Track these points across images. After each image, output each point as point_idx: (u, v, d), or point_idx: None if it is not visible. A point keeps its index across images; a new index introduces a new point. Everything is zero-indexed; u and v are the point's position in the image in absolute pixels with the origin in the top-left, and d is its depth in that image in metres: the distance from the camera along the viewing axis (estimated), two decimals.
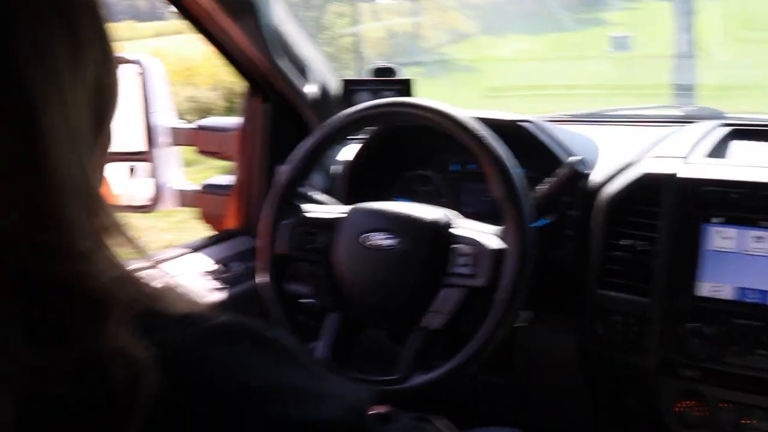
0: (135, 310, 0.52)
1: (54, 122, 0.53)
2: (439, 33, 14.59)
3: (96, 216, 0.56)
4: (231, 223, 2.01)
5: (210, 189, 2.06)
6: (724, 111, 1.91)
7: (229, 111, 13.01)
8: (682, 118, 1.90)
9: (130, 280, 0.56)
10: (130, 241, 0.59)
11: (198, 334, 0.54)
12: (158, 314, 0.54)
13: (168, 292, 0.58)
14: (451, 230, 1.33)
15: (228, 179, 2.03)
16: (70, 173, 0.54)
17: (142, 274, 0.58)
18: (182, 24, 1.62)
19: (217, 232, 2.02)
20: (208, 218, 2.09)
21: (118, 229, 0.58)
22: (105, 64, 0.61)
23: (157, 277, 0.59)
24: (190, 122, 2.09)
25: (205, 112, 12.99)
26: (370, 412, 0.61)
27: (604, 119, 1.97)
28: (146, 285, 0.57)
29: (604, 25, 11.95)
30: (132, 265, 0.58)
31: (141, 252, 0.59)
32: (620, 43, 10.63)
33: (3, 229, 0.51)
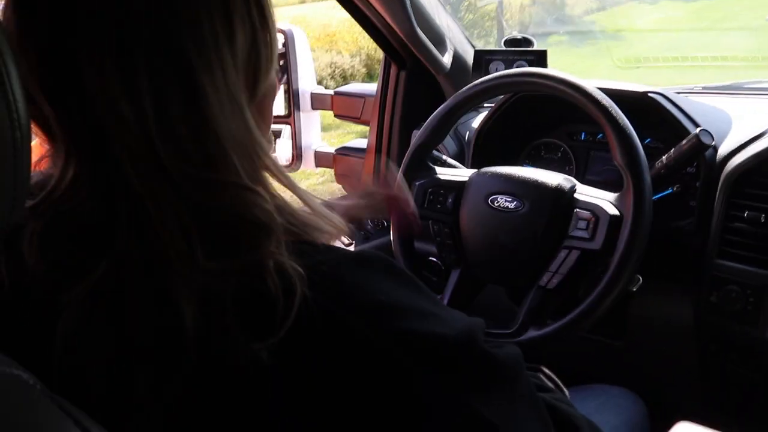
0: (288, 235, 0.65)
1: (214, 84, 0.65)
2: (584, 0, 14.23)
3: (256, 159, 0.68)
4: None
5: (346, 151, 2.19)
6: None
7: (368, 77, 13.21)
8: None
9: (285, 210, 0.68)
10: (284, 178, 0.71)
11: (338, 259, 0.65)
12: (306, 241, 0.66)
13: (314, 222, 0.69)
14: (573, 195, 1.40)
15: (363, 143, 2.15)
16: (230, 125, 0.66)
17: (293, 205, 0.70)
18: None
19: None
20: (344, 179, 2.22)
21: (274, 169, 0.70)
22: (255, 33, 0.70)
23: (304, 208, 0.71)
24: (329, 88, 2.21)
25: (346, 77, 13.26)
26: (482, 336, 0.71)
27: (740, 91, 1.95)
28: (297, 214, 0.69)
29: None
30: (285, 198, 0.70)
31: (292, 186, 0.72)
32: None
33: (185, 172, 0.63)
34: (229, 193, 0.65)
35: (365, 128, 2.14)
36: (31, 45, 0.62)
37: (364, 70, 13.32)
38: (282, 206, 0.68)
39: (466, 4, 11.20)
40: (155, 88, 0.62)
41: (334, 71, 13.03)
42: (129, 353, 0.60)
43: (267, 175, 0.69)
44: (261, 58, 0.72)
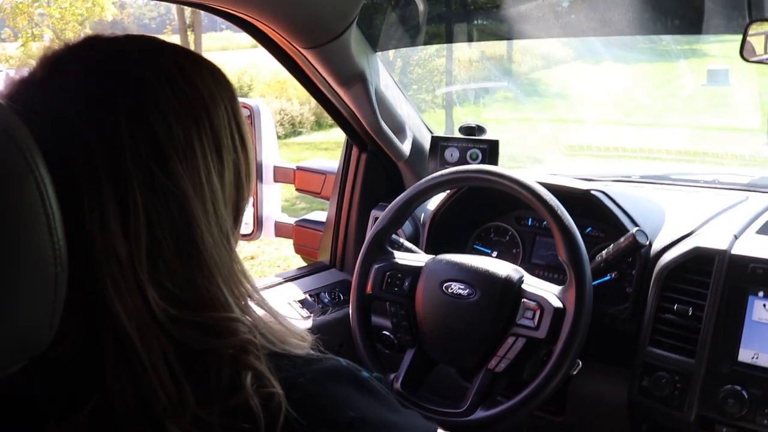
0: (266, 352, 0.72)
1: (207, 217, 0.72)
2: (531, 57, 14.60)
3: (240, 286, 0.76)
4: (322, 256, 2.24)
5: (306, 224, 2.29)
6: None
7: (317, 125, 13.34)
8: (746, 187, 2.02)
9: (260, 326, 0.75)
10: (262, 301, 0.79)
11: (312, 373, 0.73)
12: (281, 355, 0.74)
13: (288, 335, 0.77)
14: (520, 286, 1.52)
15: (323, 215, 2.26)
16: (220, 258, 0.73)
17: (266, 319, 0.78)
18: None
19: (308, 264, 2.25)
20: (302, 250, 2.32)
21: (254, 293, 0.78)
22: (239, 164, 0.79)
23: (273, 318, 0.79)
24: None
25: (294, 125, 13.37)
26: None
27: (672, 182, 2.12)
28: (272, 330, 0.76)
29: (703, 56, 11.76)
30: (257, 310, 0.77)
31: (268, 308, 0.79)
32: (718, 77, 10.40)
33: (171, 314, 0.68)
34: (212, 322, 0.71)
35: (325, 202, 2.25)
36: None
37: (312, 118, 13.45)
38: (257, 324, 0.75)
39: (415, 58, 11.40)
40: (150, 225, 0.67)
41: (283, 118, 13.13)
42: None
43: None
44: (243, 186, 0.81)
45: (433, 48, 11.12)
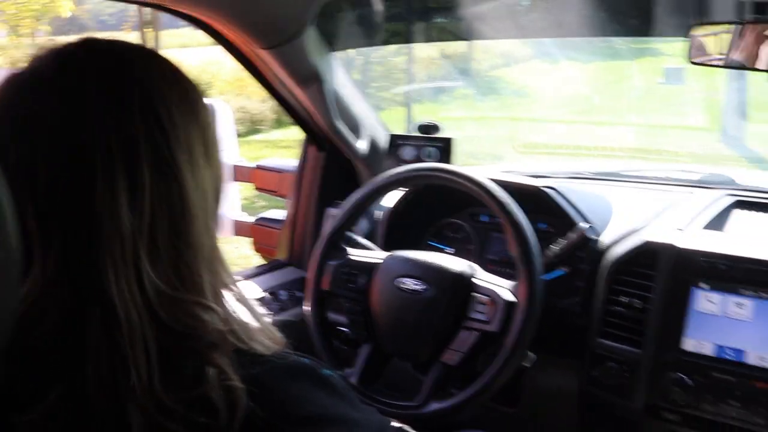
0: (232, 348, 0.74)
1: (201, 202, 0.77)
2: (491, 56, 14.69)
3: (218, 275, 0.79)
4: (280, 254, 2.25)
5: (264, 222, 2.31)
6: (735, 179, 2.10)
7: (277, 123, 13.27)
8: (694, 183, 2.09)
9: (231, 322, 0.77)
10: (240, 294, 0.82)
11: (274, 371, 0.75)
12: (246, 353, 0.76)
13: (257, 336, 0.79)
14: (472, 281, 1.56)
15: (281, 214, 2.28)
16: (205, 242, 0.77)
17: (234, 315, 0.80)
18: None
19: (266, 262, 2.27)
20: (260, 248, 2.34)
21: (232, 284, 0.81)
22: (221, 161, 0.84)
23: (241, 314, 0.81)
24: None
25: (255, 122, 13.30)
26: None
27: (622, 179, 2.17)
28: (239, 327, 0.78)
29: (660, 55, 11.94)
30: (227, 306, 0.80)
31: (245, 301, 0.83)
32: (674, 76, 10.56)
33: (159, 289, 0.72)
34: (185, 309, 0.73)
35: (283, 200, 2.27)
36: (46, 163, 0.70)
37: (273, 116, 13.37)
38: (228, 319, 0.77)
39: (376, 56, 11.41)
40: (153, 206, 0.72)
41: (243, 116, 13.03)
42: None
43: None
44: (221, 179, 0.85)
45: (394, 47, 11.14)
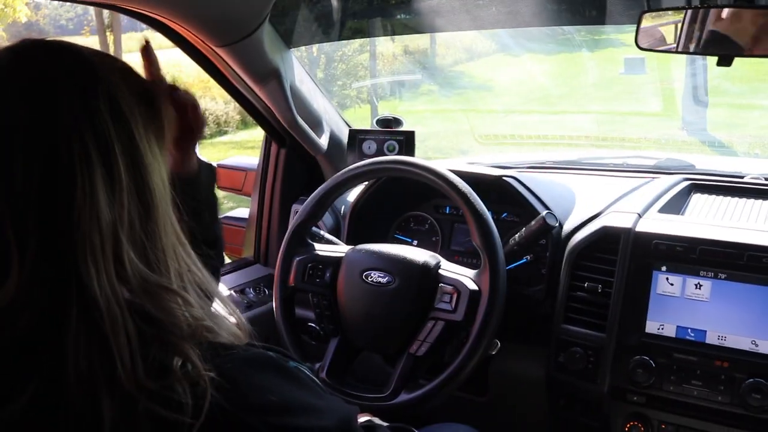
0: (199, 340, 0.76)
1: (160, 190, 0.79)
2: (454, 51, 14.73)
3: (182, 262, 0.81)
4: (246, 252, 2.25)
5: (229, 221, 2.30)
6: (694, 163, 2.14)
7: (242, 124, 13.21)
8: (653, 168, 2.12)
9: (197, 317, 0.78)
10: (209, 282, 0.84)
11: (236, 361, 0.76)
12: (212, 344, 0.77)
13: (226, 326, 0.81)
14: (438, 272, 1.57)
15: (245, 212, 2.27)
16: (167, 229, 0.79)
17: (206, 306, 0.82)
18: None
19: (233, 260, 2.27)
20: (226, 247, 2.33)
21: (198, 272, 0.83)
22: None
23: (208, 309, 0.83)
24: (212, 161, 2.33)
25: (220, 124, 13.22)
26: (357, 422, 0.85)
27: (582, 167, 2.20)
28: (210, 318, 0.80)
29: (620, 46, 12.05)
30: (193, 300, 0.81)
31: (216, 292, 0.85)
32: (634, 66, 10.65)
33: (141, 273, 0.74)
34: (160, 298, 0.75)
35: (246, 198, 2.27)
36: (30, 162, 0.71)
37: (238, 117, 13.30)
38: (201, 309, 0.79)
39: (339, 54, 11.40)
40: (129, 195, 0.75)
41: (207, 118, 12.97)
42: None
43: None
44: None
45: (356, 43, 11.12)
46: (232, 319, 0.85)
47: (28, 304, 0.70)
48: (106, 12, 15.38)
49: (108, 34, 15.39)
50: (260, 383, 0.77)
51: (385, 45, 11.69)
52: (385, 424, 1.25)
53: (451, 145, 8.14)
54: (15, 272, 0.70)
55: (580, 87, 11.25)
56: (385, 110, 9.35)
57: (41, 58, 0.77)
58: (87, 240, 0.71)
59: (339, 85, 10.93)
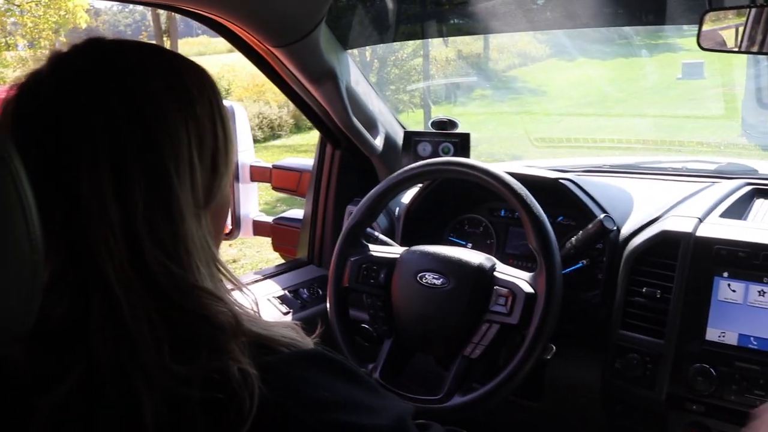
0: (247, 337, 0.76)
1: (182, 189, 0.78)
2: (507, 55, 14.68)
3: (212, 266, 0.81)
4: (300, 252, 2.27)
5: (283, 221, 2.32)
6: (756, 168, 2.09)
7: (296, 128, 13.33)
8: (713, 173, 2.08)
9: (243, 315, 0.79)
10: (241, 284, 0.85)
11: (287, 357, 0.77)
12: (262, 342, 0.77)
13: (269, 325, 0.81)
14: (493, 274, 1.56)
15: (300, 213, 2.29)
16: (194, 232, 0.79)
17: (247, 309, 0.82)
18: None
19: (287, 261, 2.28)
20: (280, 247, 2.35)
21: (230, 276, 0.84)
22: (219, 153, 0.85)
23: (253, 308, 0.83)
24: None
25: (273, 128, 13.36)
26: (411, 421, 0.84)
27: (639, 171, 2.16)
28: (254, 319, 0.80)
29: (679, 50, 11.87)
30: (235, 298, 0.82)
31: (241, 288, 0.85)
32: (693, 70, 10.48)
33: (166, 269, 0.75)
34: (195, 296, 0.76)
35: (301, 199, 2.28)
36: (35, 154, 0.72)
37: (291, 121, 13.43)
38: (239, 313, 0.79)
39: (392, 58, 11.44)
40: (143, 195, 0.74)
41: (261, 122, 13.10)
42: None
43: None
44: (219, 172, 0.86)
45: (410, 48, 11.16)
46: (287, 319, 0.85)
47: (60, 294, 0.73)
48: (163, 17, 15.68)
49: (165, 39, 15.69)
50: (311, 378, 0.76)
51: (439, 49, 11.70)
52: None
53: (503, 150, 8.10)
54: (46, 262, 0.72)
55: (636, 91, 11.10)
56: (439, 113, 9.35)
57: (71, 57, 0.79)
58: (101, 234, 0.73)
59: (392, 89, 10.96)
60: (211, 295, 0.77)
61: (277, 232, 2.32)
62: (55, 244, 0.72)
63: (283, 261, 2.33)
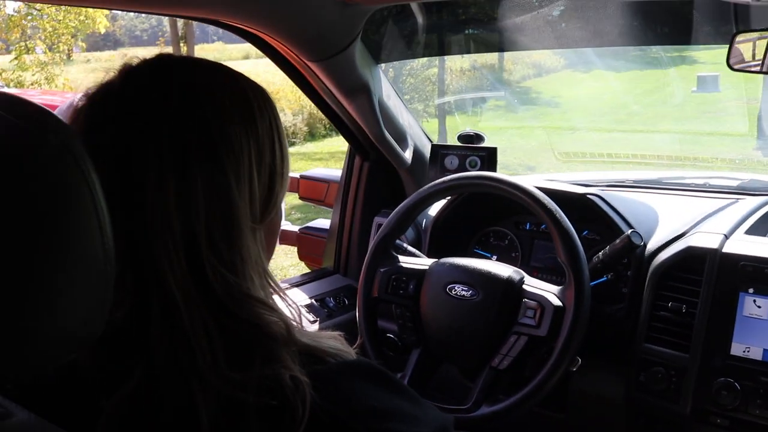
0: (297, 347, 0.79)
1: (242, 204, 0.81)
2: (522, 66, 14.68)
3: (265, 280, 0.84)
4: (326, 262, 2.30)
5: (310, 231, 2.35)
6: None
7: (310, 135, 13.37)
8: (736, 189, 2.10)
9: (293, 327, 0.82)
10: (288, 298, 0.87)
11: (337, 367, 0.79)
12: (311, 352, 0.80)
13: (316, 335, 0.84)
14: (521, 287, 1.59)
15: (326, 223, 2.32)
16: (250, 245, 0.82)
17: (296, 320, 0.85)
18: None
19: (312, 270, 2.31)
20: (306, 257, 2.38)
21: (279, 290, 0.86)
22: (276, 170, 0.87)
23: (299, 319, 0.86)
24: (293, 172, 2.39)
25: (288, 136, 13.37)
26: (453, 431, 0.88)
27: (665, 187, 2.19)
28: (303, 330, 0.83)
29: (693, 63, 11.85)
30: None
31: (287, 300, 0.88)
32: (708, 83, 10.46)
33: (223, 279, 0.77)
34: (249, 306, 0.79)
35: (328, 209, 2.32)
36: (103, 163, 0.72)
37: (305, 128, 13.47)
38: (291, 324, 0.82)
39: (407, 68, 11.45)
40: (206, 206, 0.77)
41: None
42: None
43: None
44: (275, 187, 0.88)
45: (424, 59, 11.19)
46: (314, 328, 0.87)
47: (122, 297, 0.74)
48: (180, 23, 15.77)
49: (182, 45, 15.77)
50: (361, 388, 0.79)
51: (454, 60, 11.71)
52: None
53: (518, 161, 8.12)
54: None
55: (651, 104, 11.09)
56: (453, 125, 9.38)
57: (143, 70, 0.83)
58: (161, 241, 0.75)
59: (407, 99, 10.98)
60: (264, 305, 0.80)
61: (303, 241, 2.36)
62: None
63: (308, 270, 2.36)
